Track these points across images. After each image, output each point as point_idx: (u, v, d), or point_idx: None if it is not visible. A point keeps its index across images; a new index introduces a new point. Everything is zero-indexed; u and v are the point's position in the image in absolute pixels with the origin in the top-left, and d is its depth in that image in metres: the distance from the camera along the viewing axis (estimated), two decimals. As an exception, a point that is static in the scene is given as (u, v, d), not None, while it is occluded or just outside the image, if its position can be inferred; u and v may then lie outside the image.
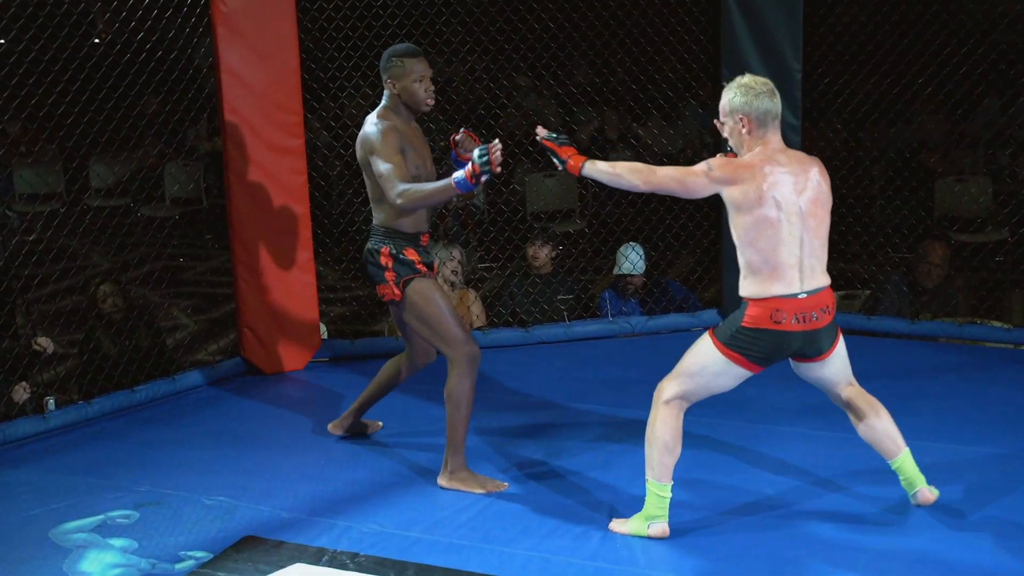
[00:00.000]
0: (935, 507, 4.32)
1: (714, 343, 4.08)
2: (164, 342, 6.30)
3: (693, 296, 6.92)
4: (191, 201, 10.72)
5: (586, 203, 9.53)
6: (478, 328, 6.72)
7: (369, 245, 4.69)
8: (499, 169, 4.29)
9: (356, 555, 4.19)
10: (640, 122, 9.36)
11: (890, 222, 7.33)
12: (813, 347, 4.08)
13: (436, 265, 4.80)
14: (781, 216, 3.96)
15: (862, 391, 4.26)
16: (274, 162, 6.02)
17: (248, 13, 5.88)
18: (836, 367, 4.20)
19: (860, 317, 6.64)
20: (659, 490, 4.15)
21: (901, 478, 4.26)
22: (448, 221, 9.07)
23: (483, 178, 4.31)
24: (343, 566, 4.13)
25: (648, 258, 6.91)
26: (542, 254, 6.96)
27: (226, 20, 5.85)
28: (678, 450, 4.13)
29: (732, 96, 4.04)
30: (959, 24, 7.20)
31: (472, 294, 6.92)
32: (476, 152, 4.30)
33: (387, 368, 5.16)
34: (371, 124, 4.61)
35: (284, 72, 5.99)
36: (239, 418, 5.68)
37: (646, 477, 4.17)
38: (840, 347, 4.19)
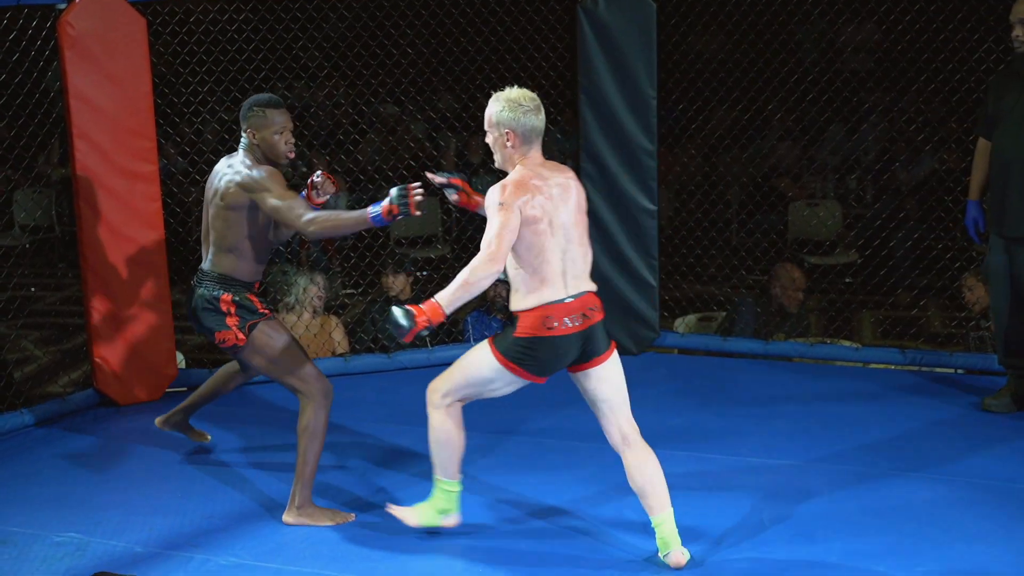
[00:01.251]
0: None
1: (492, 352, 4.15)
2: (11, 375, 6.09)
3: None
4: (42, 229, 10.42)
5: (448, 228, 9.54)
6: (340, 355, 6.66)
7: (202, 292, 4.58)
8: (417, 213, 4.27)
9: (213, 589, 4.10)
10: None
11: (744, 245, 7.50)
12: (591, 345, 4.13)
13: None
14: (548, 228, 4.06)
15: (641, 438, 4.22)
16: (127, 188, 5.88)
17: (97, 36, 5.74)
18: (614, 382, 4.19)
19: (716, 338, 6.77)
20: (448, 487, 4.34)
21: (657, 536, 4.18)
22: (309, 247, 8.98)
23: (399, 217, 4.29)
24: (199, 601, 4.04)
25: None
26: (398, 282, 6.95)
27: (74, 43, 5.70)
28: (462, 445, 4.29)
29: (499, 109, 4.08)
30: (805, 53, 7.43)
31: (334, 320, 6.85)
32: (395, 191, 4.25)
33: (220, 375, 5.15)
34: (246, 167, 4.51)
35: (136, 96, 5.86)
36: (92, 452, 5.51)
37: (435, 476, 4.33)
38: (617, 361, 4.21)
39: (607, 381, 4.19)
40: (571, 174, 4.23)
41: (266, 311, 4.62)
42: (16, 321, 7.14)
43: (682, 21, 6.78)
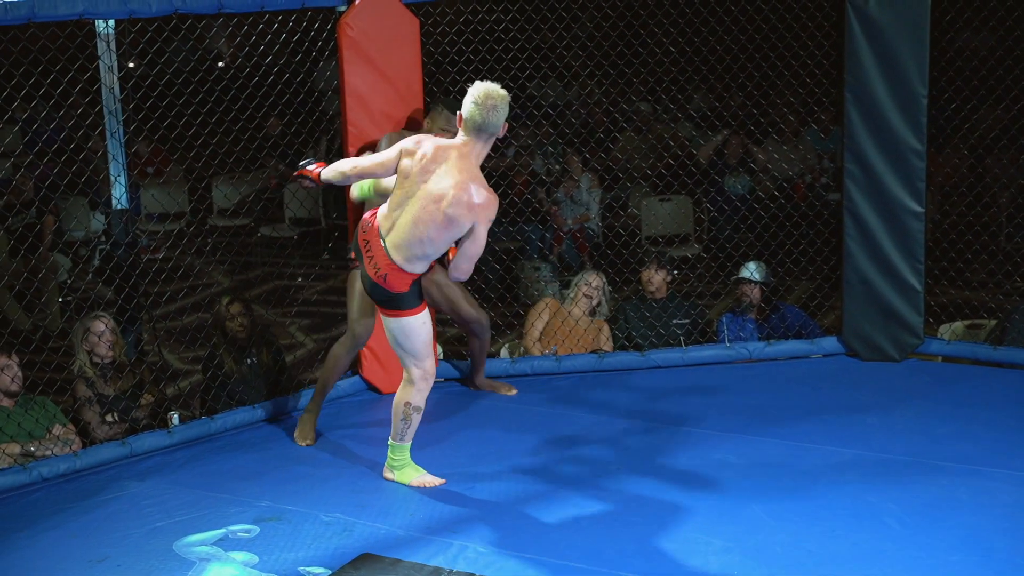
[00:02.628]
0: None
1: (411, 314, 4.78)
2: (283, 360, 6.40)
3: (812, 322, 6.82)
4: (310, 221, 10.90)
5: (703, 228, 9.47)
6: (595, 351, 6.70)
7: None
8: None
9: (472, 575, 4.20)
10: (760, 145, 9.28)
11: (1018, 250, 7.13)
12: None
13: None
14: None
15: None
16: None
17: (373, 37, 5.97)
18: None
19: (986, 347, 6.47)
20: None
21: None
22: (563, 244, 9.08)
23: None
24: (459, 586, 4.15)
25: (767, 280, 6.83)
26: (657, 279, 6.92)
27: (352, 44, 5.94)
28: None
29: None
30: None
31: (607, 330, 6.87)
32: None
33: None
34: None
35: (407, 95, 6.06)
36: (355, 437, 5.74)
37: (393, 441, 5.01)
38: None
39: None
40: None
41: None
42: (288, 309, 7.50)
43: (957, 17, 6.51)
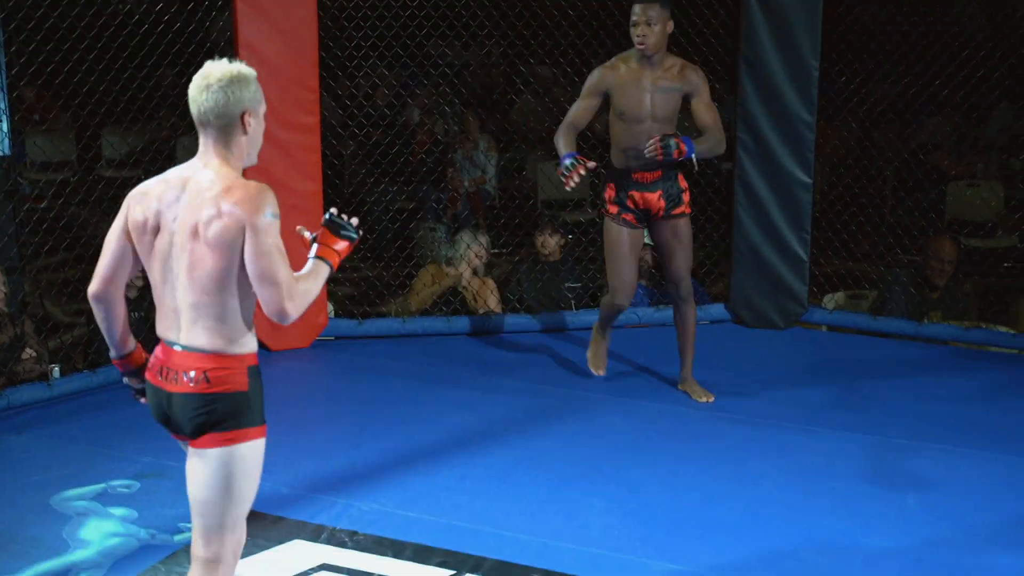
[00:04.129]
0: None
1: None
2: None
3: (701, 289, 6.91)
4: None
5: (597, 193, 9.51)
6: (486, 312, 6.72)
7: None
8: (568, 187, 5.12)
9: (355, 533, 4.21)
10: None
11: (901, 223, 7.30)
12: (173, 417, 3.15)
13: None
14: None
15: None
16: (288, 139, 6.02)
17: (268, -11, 5.87)
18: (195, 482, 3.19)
19: (866, 316, 6.64)
20: None
21: None
22: (459, 205, 9.06)
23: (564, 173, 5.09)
24: (342, 544, 4.15)
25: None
26: (551, 242, 6.96)
27: (246, -5, 5.84)
28: None
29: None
30: (977, 28, 7.17)
31: (491, 284, 6.90)
32: (568, 161, 5.14)
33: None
34: None
35: (303, 49, 5.98)
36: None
37: None
38: (208, 462, 3.13)
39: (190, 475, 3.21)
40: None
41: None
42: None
43: (850, -9, 6.62)
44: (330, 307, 6.58)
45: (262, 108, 3.14)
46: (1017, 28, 7.56)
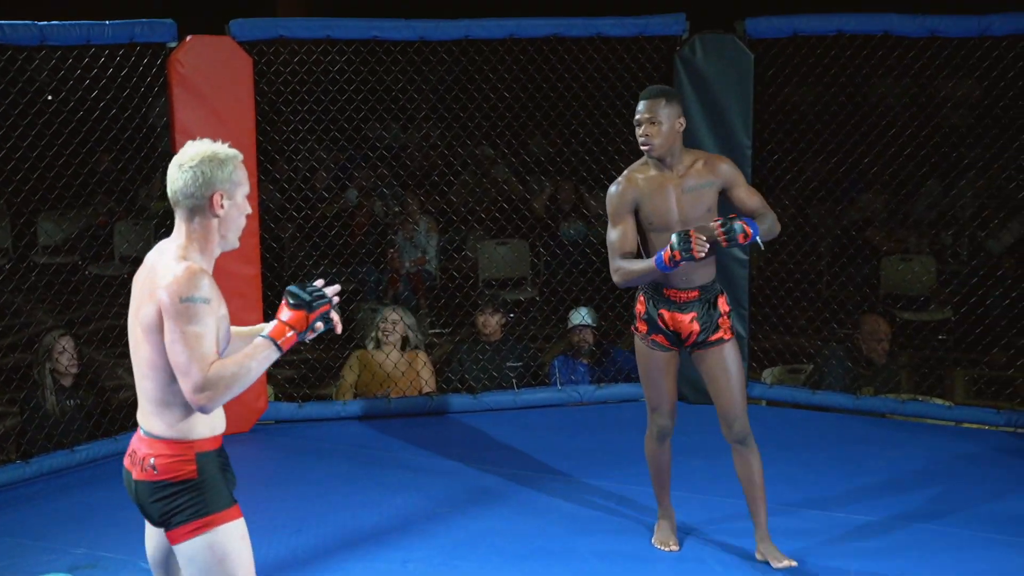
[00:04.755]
0: None
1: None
2: (108, 402, 6.21)
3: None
4: (141, 260, 10.59)
5: (538, 271, 9.57)
6: (427, 393, 6.70)
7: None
8: (701, 256, 4.21)
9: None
10: (592, 192, 9.43)
11: (836, 298, 7.41)
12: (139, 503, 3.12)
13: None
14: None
15: None
16: (226, 223, 6.00)
17: (205, 74, 5.90)
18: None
19: (805, 391, 6.69)
20: None
21: None
22: (399, 286, 9.07)
23: (680, 264, 4.26)
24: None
25: (599, 325, 6.95)
26: (492, 322, 6.97)
27: (183, 80, 5.86)
28: None
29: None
30: (902, 107, 7.35)
31: (423, 357, 6.88)
32: (675, 238, 4.22)
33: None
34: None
35: (239, 133, 5.98)
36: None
37: None
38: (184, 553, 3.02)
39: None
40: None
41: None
42: (115, 349, 7.27)
43: (779, 72, 6.77)
44: (270, 390, 6.52)
45: (240, 190, 3.09)
46: (940, 108, 7.77)
